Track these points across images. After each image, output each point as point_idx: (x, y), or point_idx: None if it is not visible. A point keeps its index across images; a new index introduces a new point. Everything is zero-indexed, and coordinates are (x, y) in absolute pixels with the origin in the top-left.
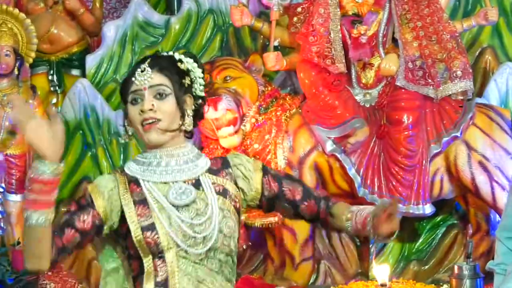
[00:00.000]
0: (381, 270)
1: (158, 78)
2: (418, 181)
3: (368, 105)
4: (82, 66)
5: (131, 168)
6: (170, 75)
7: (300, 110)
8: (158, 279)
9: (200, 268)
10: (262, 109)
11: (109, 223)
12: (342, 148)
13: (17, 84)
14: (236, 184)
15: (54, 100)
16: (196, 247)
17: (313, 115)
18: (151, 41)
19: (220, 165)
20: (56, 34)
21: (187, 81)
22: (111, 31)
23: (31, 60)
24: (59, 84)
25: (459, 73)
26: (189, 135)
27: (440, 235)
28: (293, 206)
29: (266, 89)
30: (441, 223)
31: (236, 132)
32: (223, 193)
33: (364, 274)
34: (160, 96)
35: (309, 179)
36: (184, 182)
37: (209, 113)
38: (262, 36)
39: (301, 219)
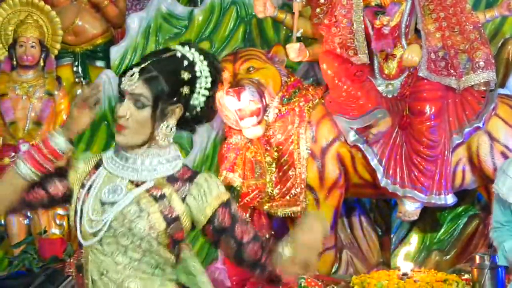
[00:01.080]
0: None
1: (140, 88)
2: (440, 172)
3: (390, 96)
4: (106, 58)
5: (106, 153)
6: (156, 87)
7: (322, 101)
8: (80, 263)
9: (107, 261)
10: (285, 99)
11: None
12: (365, 138)
13: (42, 75)
14: (184, 199)
15: (79, 91)
16: (104, 240)
17: (335, 106)
18: (175, 32)
19: (186, 177)
20: (80, 26)
21: (185, 90)
22: (135, 23)
23: (56, 52)
24: (84, 76)
25: (481, 63)
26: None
27: (461, 225)
28: (237, 244)
29: (289, 79)
30: (463, 213)
31: (259, 122)
32: (157, 197)
33: (386, 264)
34: (139, 105)
35: (332, 169)
36: (131, 181)
37: (232, 103)
38: (285, 27)
39: (240, 263)
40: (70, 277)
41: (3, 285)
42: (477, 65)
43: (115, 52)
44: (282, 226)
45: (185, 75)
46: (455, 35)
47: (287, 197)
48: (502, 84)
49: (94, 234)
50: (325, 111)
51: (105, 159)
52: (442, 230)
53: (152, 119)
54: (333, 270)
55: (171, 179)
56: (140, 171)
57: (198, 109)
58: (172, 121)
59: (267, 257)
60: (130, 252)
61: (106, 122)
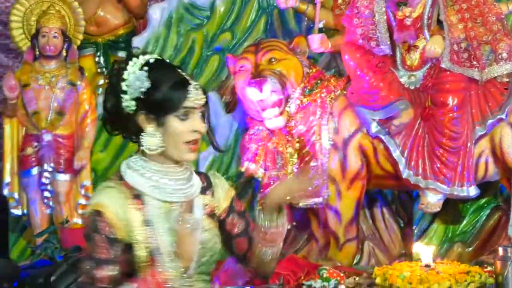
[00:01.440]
0: (424, 250)
1: (204, 98)
2: (463, 163)
3: (412, 87)
4: (128, 48)
5: (136, 181)
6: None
7: (344, 92)
8: None
9: None
10: (307, 90)
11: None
12: (387, 130)
13: (65, 65)
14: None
15: (101, 82)
16: (188, 272)
17: (357, 97)
18: (196, 23)
19: (205, 183)
20: (103, 17)
21: None
22: (156, 13)
23: (78, 42)
24: (106, 66)
25: (504, 55)
26: None
27: (484, 217)
28: (227, 237)
29: (311, 71)
30: (485, 205)
31: (281, 113)
32: (212, 215)
33: (408, 255)
34: (203, 116)
35: (354, 160)
36: (182, 203)
37: (254, 94)
38: (306, 18)
39: (232, 255)
40: None
41: (26, 274)
42: (500, 57)
43: (137, 43)
44: (304, 217)
45: None
46: (478, 26)
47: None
48: None
49: (186, 268)
50: (347, 102)
51: (146, 189)
52: (465, 222)
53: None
54: (354, 261)
55: (203, 190)
56: (184, 189)
57: None
58: None
59: (252, 253)
60: (205, 276)
61: None
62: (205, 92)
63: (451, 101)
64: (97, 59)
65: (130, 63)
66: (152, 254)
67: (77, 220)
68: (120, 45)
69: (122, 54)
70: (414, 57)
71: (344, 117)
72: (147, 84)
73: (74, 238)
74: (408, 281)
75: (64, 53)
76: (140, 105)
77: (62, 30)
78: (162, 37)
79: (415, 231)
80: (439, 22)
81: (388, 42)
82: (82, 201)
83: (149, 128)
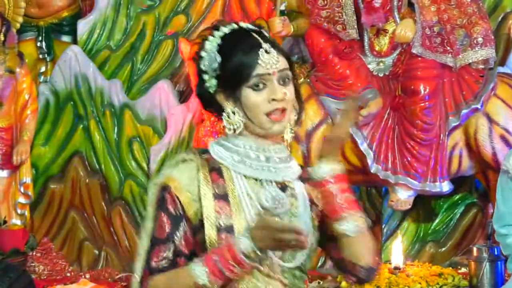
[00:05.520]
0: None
1: (282, 61)
2: (435, 157)
3: (381, 75)
4: (73, 32)
5: (220, 154)
6: (288, 57)
7: (308, 80)
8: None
9: (273, 284)
10: None
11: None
12: None
13: (3, 51)
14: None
15: (43, 69)
16: (283, 260)
17: (322, 85)
18: (148, 5)
19: (307, 176)
20: None
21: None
22: None
23: (18, 25)
24: (48, 51)
25: (480, 40)
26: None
27: (458, 214)
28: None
29: None
30: (460, 201)
31: None
32: (312, 206)
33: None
34: (284, 82)
35: (318, 154)
36: (278, 184)
37: None
38: (267, 0)
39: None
40: (27, 273)
41: None
42: (475, 42)
43: (83, 26)
44: None
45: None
46: (452, 8)
47: None
48: (502, 62)
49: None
50: (311, 91)
51: (230, 164)
52: (437, 220)
53: (296, 94)
54: (319, 264)
55: (304, 181)
56: (281, 170)
57: None
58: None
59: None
60: (297, 271)
61: (72, 102)
62: (285, 54)
63: (423, 89)
64: (38, 44)
65: (210, 38)
66: (222, 232)
67: (16, 221)
68: (64, 28)
69: (66, 38)
70: (383, 42)
71: (308, 107)
72: (218, 59)
73: (13, 240)
74: (376, 285)
75: (2, 37)
76: (219, 83)
77: (0, 12)
78: (110, 20)
79: (385, 230)
80: (410, 4)
81: (356, 26)
82: (22, 200)
83: (228, 106)
